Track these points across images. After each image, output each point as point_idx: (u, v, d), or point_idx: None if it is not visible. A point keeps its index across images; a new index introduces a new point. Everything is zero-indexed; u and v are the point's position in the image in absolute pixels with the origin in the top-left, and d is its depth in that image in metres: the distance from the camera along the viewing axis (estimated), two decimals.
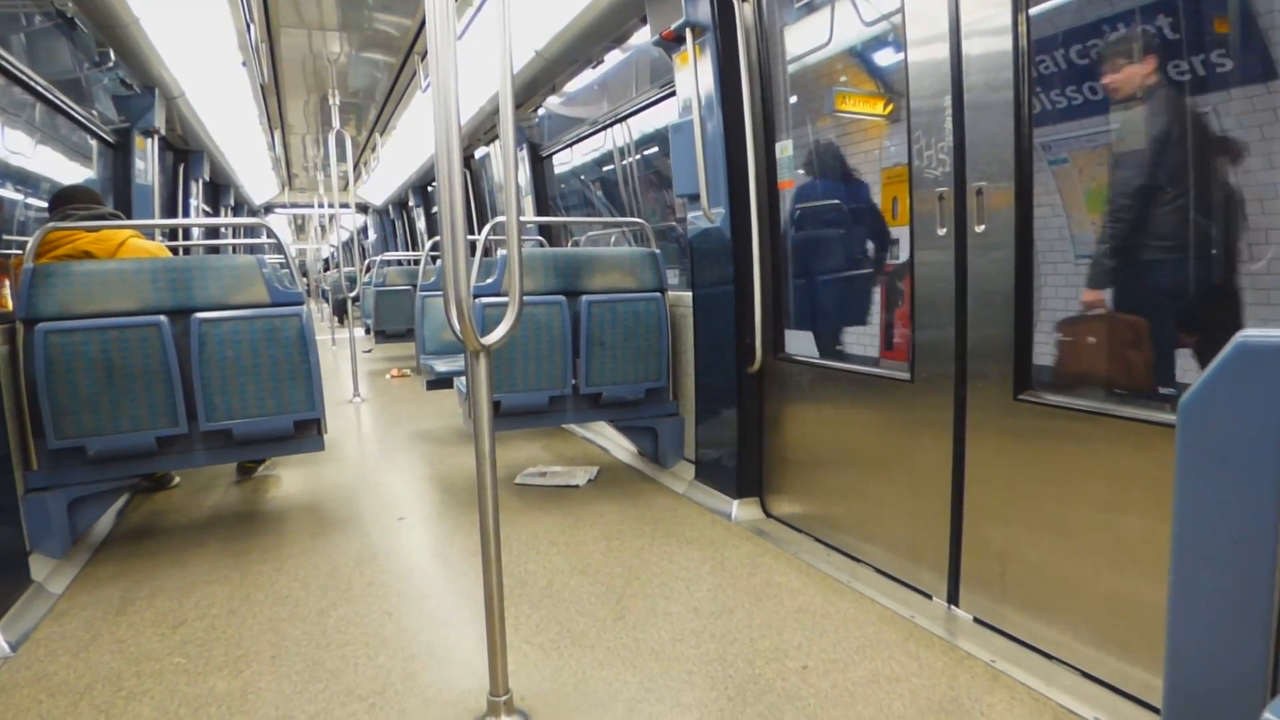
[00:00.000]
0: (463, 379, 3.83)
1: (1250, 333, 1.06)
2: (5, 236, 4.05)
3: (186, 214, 6.74)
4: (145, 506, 3.44)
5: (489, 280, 3.38)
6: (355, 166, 12.37)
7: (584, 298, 3.35)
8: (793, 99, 3.02)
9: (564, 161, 6.47)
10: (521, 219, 3.51)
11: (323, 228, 16.83)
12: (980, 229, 2.03)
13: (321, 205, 13.10)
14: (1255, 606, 1.06)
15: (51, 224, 2.82)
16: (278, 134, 10.67)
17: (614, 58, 4.50)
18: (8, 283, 2.59)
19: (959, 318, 2.11)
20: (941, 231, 2.13)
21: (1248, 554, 1.07)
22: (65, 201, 3.08)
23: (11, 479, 2.43)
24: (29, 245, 2.63)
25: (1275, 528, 1.04)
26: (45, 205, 3.64)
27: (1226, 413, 1.09)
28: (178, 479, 3.82)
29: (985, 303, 2.04)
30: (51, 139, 4.54)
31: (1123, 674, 1.74)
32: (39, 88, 3.91)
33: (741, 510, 3.07)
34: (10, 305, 2.56)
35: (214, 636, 2.15)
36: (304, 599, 2.39)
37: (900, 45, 2.24)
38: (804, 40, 2.93)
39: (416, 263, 8.09)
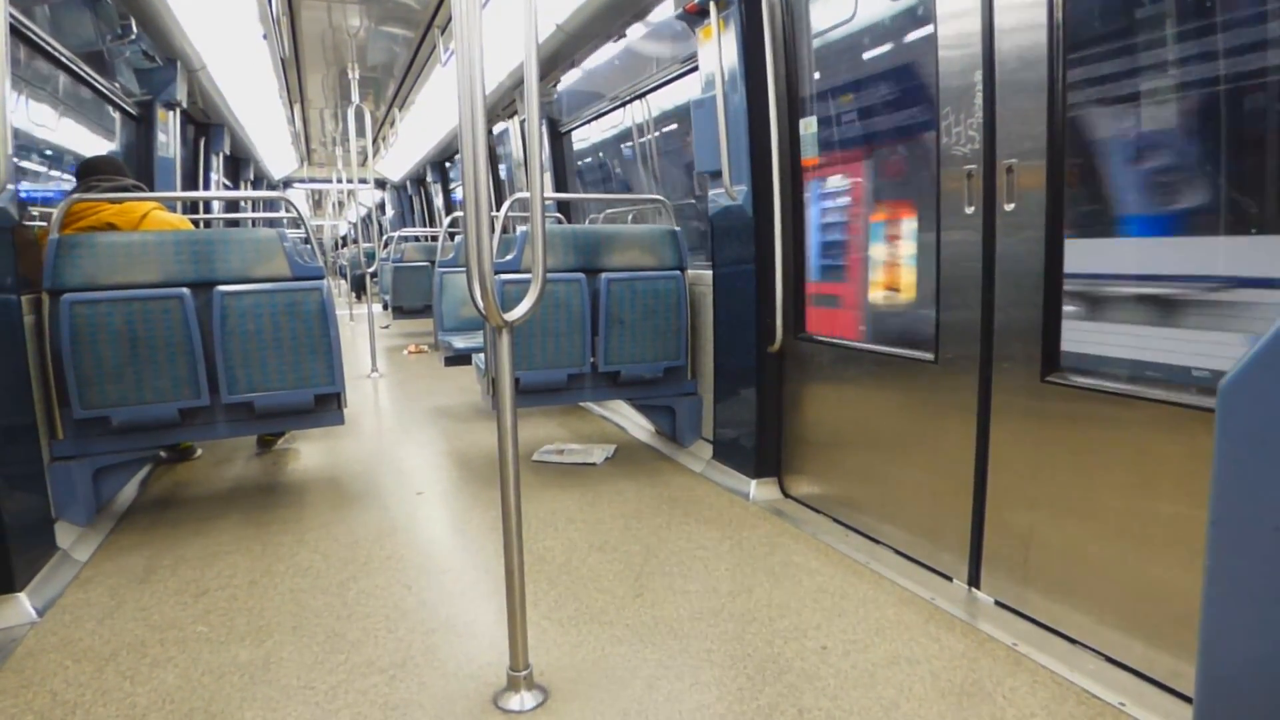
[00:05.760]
0: (481, 355, 3.83)
1: None
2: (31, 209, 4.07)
3: (207, 187, 6.76)
4: (167, 477, 3.48)
5: (508, 257, 3.36)
6: (374, 141, 12.35)
7: (603, 275, 3.33)
8: None
9: (583, 137, 6.42)
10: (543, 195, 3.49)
11: (340, 203, 16.86)
12: (1010, 208, 1.98)
13: (340, 180, 13.11)
14: None
15: (76, 195, 2.83)
16: (297, 108, 10.65)
17: (636, 31, 4.44)
18: None
19: (985, 298, 2.07)
20: (969, 210, 2.09)
21: None
22: (90, 173, 3.09)
23: (38, 448, 2.46)
24: (54, 216, 2.64)
25: None
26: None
27: (1268, 397, 1.06)
28: (199, 450, 3.86)
29: (1013, 283, 2.00)
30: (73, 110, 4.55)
31: (1149, 660, 1.72)
32: (64, 59, 3.91)
33: (759, 490, 3.06)
34: None
35: (236, 606, 2.17)
36: (324, 571, 2.41)
37: (930, 18, 2.19)
38: (829, 14, 2.87)
39: (434, 239, 8.09)
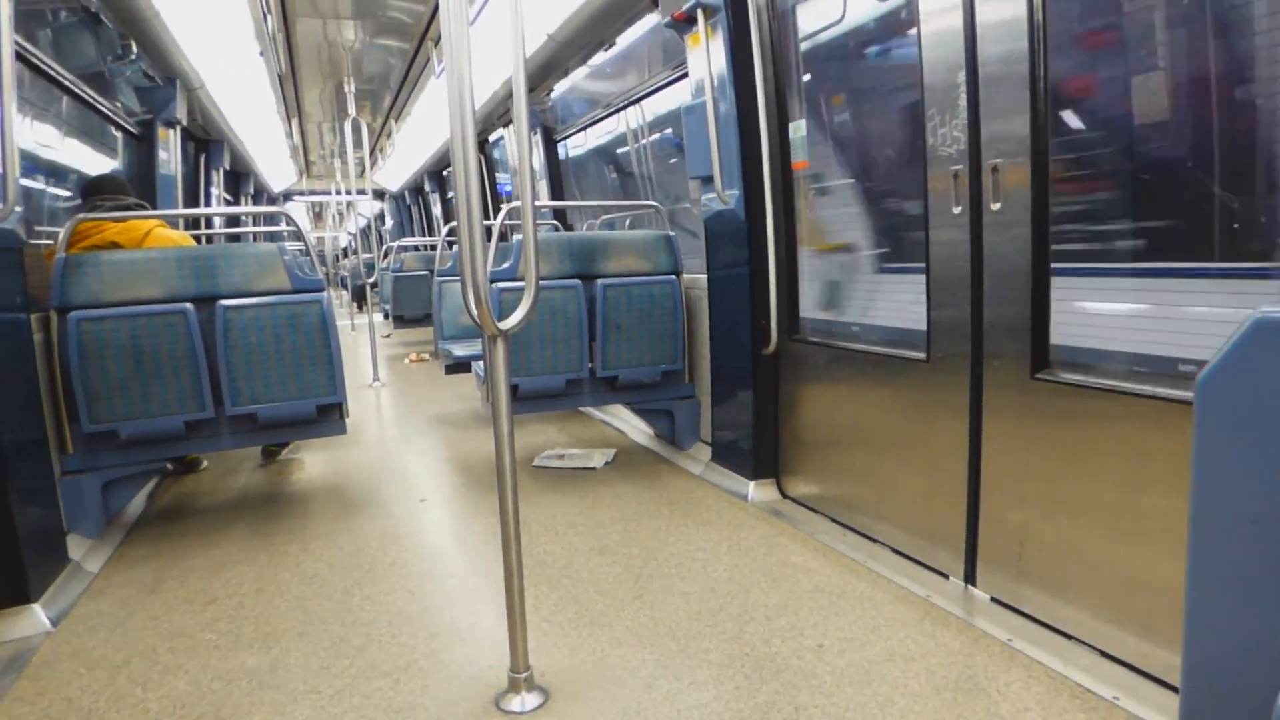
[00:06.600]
0: (481, 363, 3.86)
1: (1268, 309, 1.05)
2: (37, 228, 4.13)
3: (208, 203, 6.82)
4: (175, 489, 3.52)
5: (505, 265, 3.40)
6: (371, 153, 12.41)
7: (599, 281, 3.36)
8: None
9: (578, 144, 6.46)
10: (536, 203, 3.52)
11: (340, 215, 16.93)
12: (996, 207, 2.02)
13: (339, 192, 13.18)
14: (1275, 586, 1.06)
15: (81, 215, 2.88)
16: (295, 122, 10.74)
17: (626, 39, 4.48)
18: None
19: (975, 297, 2.10)
20: (957, 210, 2.12)
21: (1267, 533, 1.07)
22: (94, 192, 3.15)
23: (48, 462, 2.50)
24: (60, 236, 2.70)
25: None
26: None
27: (1245, 389, 1.08)
28: (205, 462, 3.90)
29: (1001, 281, 2.03)
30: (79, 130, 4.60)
31: (1142, 653, 1.74)
32: (66, 81, 3.97)
33: (758, 491, 3.09)
34: None
35: (243, 614, 2.21)
36: (329, 578, 2.44)
37: (913, 20, 2.22)
38: (817, 18, 2.90)
39: (433, 248, 8.13)
